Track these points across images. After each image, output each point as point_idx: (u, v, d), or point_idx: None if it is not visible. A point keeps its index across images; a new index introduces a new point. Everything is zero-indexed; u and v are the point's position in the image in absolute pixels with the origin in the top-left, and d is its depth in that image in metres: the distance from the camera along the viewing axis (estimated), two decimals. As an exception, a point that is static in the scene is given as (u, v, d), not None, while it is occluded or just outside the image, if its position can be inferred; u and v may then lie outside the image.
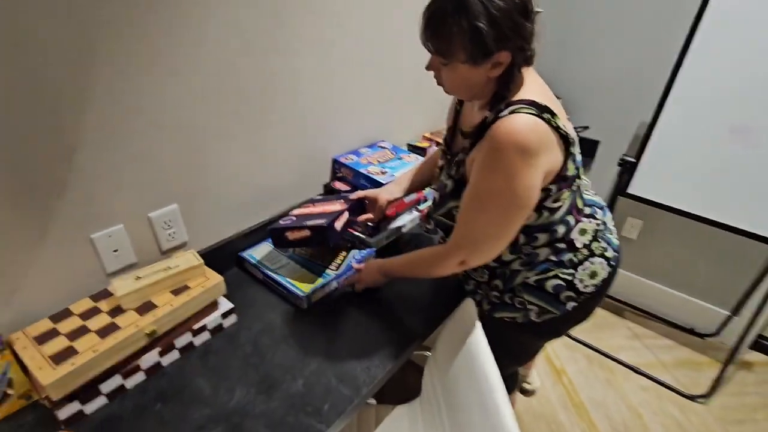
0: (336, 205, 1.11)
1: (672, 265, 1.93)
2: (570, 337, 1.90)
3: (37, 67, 0.70)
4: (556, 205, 0.82)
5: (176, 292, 0.88)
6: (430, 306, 1.03)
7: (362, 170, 1.26)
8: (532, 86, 0.79)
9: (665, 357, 1.83)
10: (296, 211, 1.15)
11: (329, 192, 1.34)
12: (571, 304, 0.89)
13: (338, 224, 1.05)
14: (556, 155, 0.75)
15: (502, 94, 0.76)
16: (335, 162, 1.34)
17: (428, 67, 0.81)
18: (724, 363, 1.63)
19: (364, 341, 0.93)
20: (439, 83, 0.83)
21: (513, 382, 1.33)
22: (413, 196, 1.32)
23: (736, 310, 1.83)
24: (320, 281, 1.05)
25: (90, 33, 0.73)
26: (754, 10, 1.29)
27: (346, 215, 1.09)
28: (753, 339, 1.77)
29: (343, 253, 1.16)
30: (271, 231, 1.08)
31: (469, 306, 0.93)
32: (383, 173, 1.25)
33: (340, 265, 1.11)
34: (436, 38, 0.73)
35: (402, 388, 1.14)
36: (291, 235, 1.05)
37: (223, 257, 1.11)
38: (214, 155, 1.01)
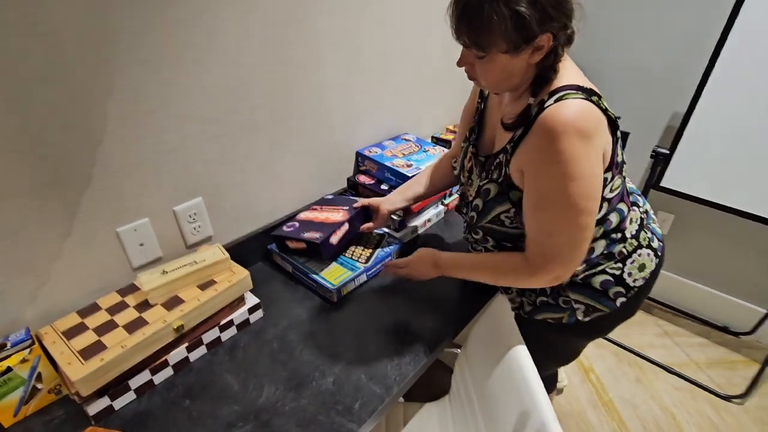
0: (339, 214, 1.10)
1: (704, 261, 1.85)
2: (597, 334, 1.85)
3: (60, 58, 0.68)
4: (611, 195, 0.77)
5: (203, 286, 0.86)
6: (461, 302, 1.00)
7: (387, 163, 1.23)
8: (571, 71, 0.74)
9: (698, 355, 1.76)
10: (302, 215, 1.14)
11: (352, 186, 1.31)
12: (620, 300, 0.84)
13: (334, 238, 1.04)
14: (608, 140, 0.71)
15: (546, 77, 0.71)
16: (359, 155, 1.31)
17: (460, 63, 0.76)
18: (763, 363, 1.56)
19: (393, 337, 0.90)
20: (471, 78, 0.77)
21: (552, 383, 1.28)
22: (439, 190, 1.28)
23: (773, 308, 1.76)
24: (350, 274, 1.02)
25: (113, 22, 0.72)
26: (802, -10, 1.22)
27: (345, 228, 1.07)
28: (792, 338, 1.70)
29: (372, 247, 1.13)
30: (274, 237, 1.08)
31: (502, 301, 0.89)
32: (408, 166, 1.22)
33: (369, 258, 1.09)
34: (473, 30, 0.67)
35: (430, 385, 1.11)
36: (290, 244, 1.07)
37: (249, 251, 1.09)
38: (239, 148, 0.99)
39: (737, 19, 1.30)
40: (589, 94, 0.68)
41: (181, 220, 0.94)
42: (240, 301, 0.91)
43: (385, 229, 1.21)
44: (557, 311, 0.86)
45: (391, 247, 1.13)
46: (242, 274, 0.90)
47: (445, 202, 1.35)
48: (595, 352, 1.77)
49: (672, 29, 1.59)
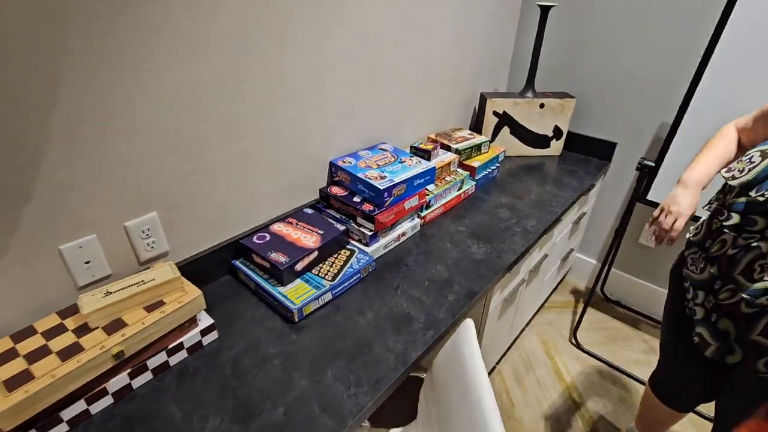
0: (313, 238, 1.08)
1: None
2: (581, 349, 1.80)
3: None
4: None
5: (150, 308, 0.81)
6: (430, 324, 0.95)
7: (360, 174, 1.18)
8: None
9: (684, 373, 1.72)
10: (276, 227, 1.12)
11: (325, 198, 1.27)
12: None
13: (300, 265, 1.02)
14: None
15: None
16: (332, 165, 1.27)
17: None
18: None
19: (354, 362, 0.85)
20: None
21: None
22: (415, 201, 1.24)
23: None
24: (314, 293, 0.98)
25: (59, 24, 0.67)
26: (792, 1, 1.18)
27: (313, 256, 1.05)
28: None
29: (340, 263, 1.08)
30: (241, 245, 1.05)
31: (468, 328, 0.85)
32: (382, 178, 1.17)
33: (336, 275, 1.04)
34: None
35: (401, 408, 1.06)
36: (256, 258, 1.05)
37: (215, 265, 1.05)
38: (204, 159, 0.94)
39: (725, 28, 1.26)
40: None
41: (133, 236, 0.89)
42: (192, 322, 0.86)
43: (356, 244, 1.16)
44: None
45: (361, 264, 1.08)
46: (194, 293, 0.85)
47: (422, 214, 1.30)
48: (577, 368, 1.72)
49: (661, 37, 1.55)
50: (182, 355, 0.85)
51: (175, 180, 0.92)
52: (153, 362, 0.80)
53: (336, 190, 1.24)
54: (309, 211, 1.20)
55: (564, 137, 1.80)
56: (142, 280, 0.82)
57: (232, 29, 0.89)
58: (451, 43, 1.55)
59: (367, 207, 1.15)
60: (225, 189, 1.02)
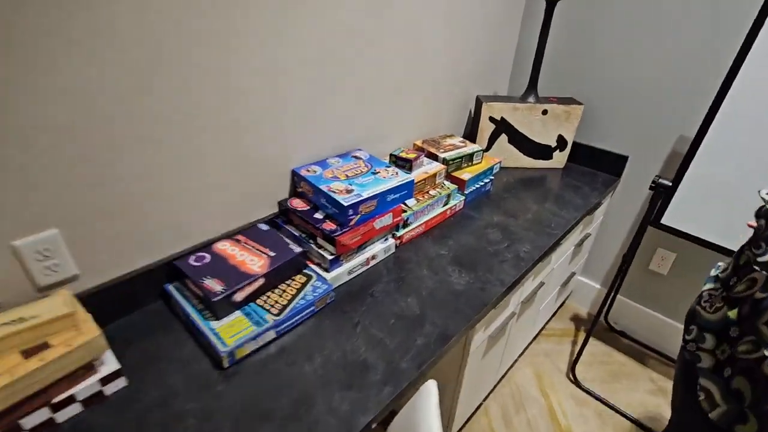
0: (261, 262, 0.92)
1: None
2: (580, 387, 1.61)
3: None
4: None
5: (29, 352, 0.65)
6: (389, 377, 0.78)
7: (323, 186, 1.01)
8: None
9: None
10: (220, 246, 0.97)
11: (284, 212, 1.10)
12: None
13: (239, 296, 0.86)
14: None
15: None
16: (295, 174, 1.10)
17: None
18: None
19: (287, 428, 0.68)
20: None
21: None
22: (388, 219, 1.06)
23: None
24: (253, 330, 0.81)
25: None
26: None
27: (258, 284, 0.88)
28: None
29: (293, 292, 0.91)
30: (174, 265, 0.89)
31: (428, 394, 0.67)
32: (348, 192, 1.00)
33: (284, 308, 0.87)
34: None
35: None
36: (189, 283, 0.88)
37: (140, 290, 0.88)
38: (126, 166, 0.78)
39: (761, 32, 1.07)
40: None
41: (25, 258, 0.73)
42: (88, 369, 0.70)
43: (316, 268, 0.99)
44: None
45: (317, 293, 0.91)
46: (91, 334, 0.69)
47: (398, 233, 1.13)
48: (574, 409, 1.54)
49: (685, 40, 1.36)
50: (75, 409, 0.69)
51: (88, 189, 0.76)
52: (31, 421, 0.64)
53: (297, 204, 1.07)
54: (264, 227, 1.03)
55: (569, 148, 1.62)
56: (21, 318, 0.66)
57: (157, 13, 0.72)
58: (442, 39, 1.37)
59: (329, 226, 0.98)
60: (154, 201, 0.86)
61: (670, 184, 1.28)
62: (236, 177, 0.98)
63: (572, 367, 1.65)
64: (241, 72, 0.88)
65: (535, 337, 1.84)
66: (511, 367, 1.70)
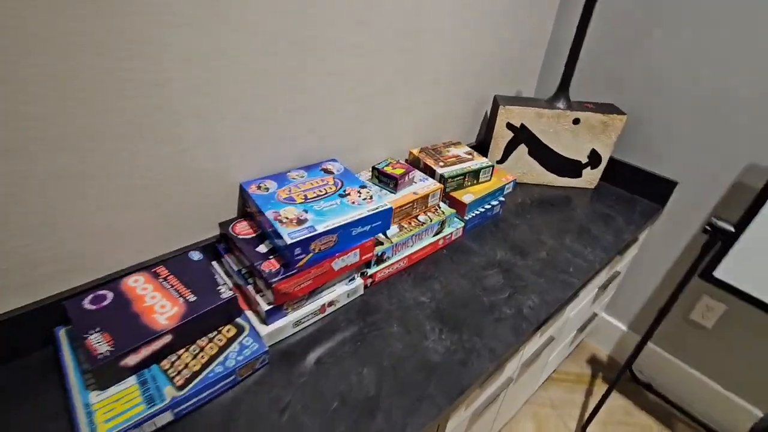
0: (173, 309, 0.70)
1: (758, 372, 1.32)
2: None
3: None
4: None
5: None
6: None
7: (268, 212, 0.79)
8: None
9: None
10: (130, 281, 0.77)
11: (222, 238, 0.88)
12: None
13: (133, 359, 0.65)
14: None
15: None
16: (243, 190, 0.87)
17: None
18: None
19: None
20: None
21: None
22: (353, 258, 0.83)
23: None
24: (141, 410, 0.61)
25: None
26: None
27: (163, 342, 0.67)
28: None
29: (212, 351, 0.70)
30: (66, 305, 0.69)
31: None
32: (300, 222, 0.77)
33: (193, 378, 0.66)
34: None
35: None
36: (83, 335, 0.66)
37: (24, 334, 0.69)
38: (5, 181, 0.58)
39: None
40: None
41: None
42: None
43: (252, 317, 0.77)
44: None
45: (243, 357, 0.70)
46: None
47: (369, 272, 0.89)
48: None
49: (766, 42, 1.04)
50: None
51: None
52: None
53: (240, 229, 0.85)
54: (196, 256, 0.82)
55: (603, 165, 1.33)
56: None
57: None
58: (450, 22, 1.10)
59: (271, 265, 0.75)
60: (41, 224, 0.65)
61: (732, 229, 0.98)
62: (158, 191, 0.76)
63: (584, 427, 1.39)
64: (160, 51, 0.66)
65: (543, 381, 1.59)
66: (513, 418, 1.46)
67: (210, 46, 0.70)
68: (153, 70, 0.66)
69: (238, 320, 0.76)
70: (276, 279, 0.72)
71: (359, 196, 0.86)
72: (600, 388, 1.56)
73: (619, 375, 1.31)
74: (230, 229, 0.84)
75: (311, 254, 0.76)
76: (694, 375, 1.45)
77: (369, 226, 0.83)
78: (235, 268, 0.82)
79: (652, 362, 1.56)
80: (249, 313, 0.78)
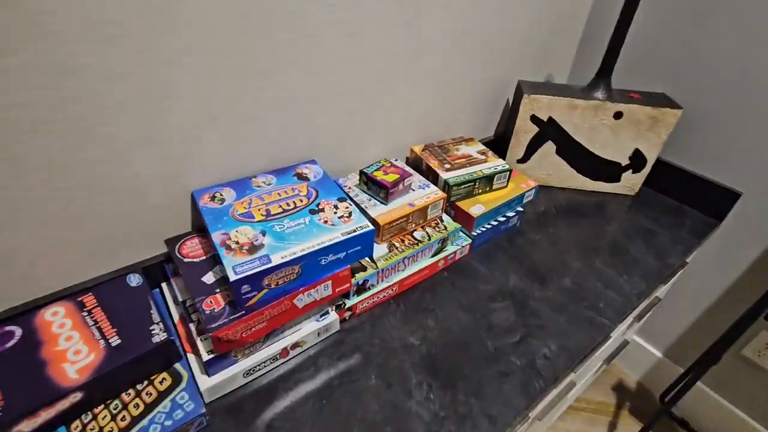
0: (96, 349, 0.58)
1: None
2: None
3: None
4: None
5: None
6: None
7: (215, 235, 0.63)
8: None
9: None
10: (48, 315, 0.64)
11: (167, 259, 0.73)
12: None
13: (27, 425, 0.52)
14: None
15: None
16: (194, 200, 0.72)
17: None
18: None
19: None
20: None
21: None
22: (324, 291, 0.67)
23: None
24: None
25: None
26: None
27: (70, 401, 0.55)
28: None
29: (136, 411, 0.56)
30: None
31: None
32: (252, 248, 0.61)
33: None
34: None
35: None
36: None
37: None
38: None
39: None
40: None
41: None
42: None
43: (194, 363, 0.63)
44: None
45: (170, 423, 0.55)
46: None
47: (347, 303, 0.73)
48: None
49: None
50: None
51: None
52: None
53: (189, 250, 0.69)
54: (134, 280, 0.67)
55: (647, 169, 1.11)
56: None
57: None
58: (467, -5, 0.89)
59: (215, 303, 0.60)
60: None
61: (818, 264, 0.76)
62: (82, 204, 0.61)
63: (604, 469, 1.22)
64: (75, 32, 0.49)
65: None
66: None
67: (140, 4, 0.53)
68: (62, 52, 0.50)
69: (178, 366, 0.62)
70: (216, 324, 0.57)
71: (335, 213, 0.69)
72: (625, 420, 1.38)
73: (657, 416, 1.12)
74: (177, 249, 0.69)
75: (265, 290, 0.60)
76: (739, 416, 1.24)
77: (344, 253, 0.66)
78: (180, 298, 0.68)
79: (689, 397, 1.35)
80: (192, 357, 0.64)
